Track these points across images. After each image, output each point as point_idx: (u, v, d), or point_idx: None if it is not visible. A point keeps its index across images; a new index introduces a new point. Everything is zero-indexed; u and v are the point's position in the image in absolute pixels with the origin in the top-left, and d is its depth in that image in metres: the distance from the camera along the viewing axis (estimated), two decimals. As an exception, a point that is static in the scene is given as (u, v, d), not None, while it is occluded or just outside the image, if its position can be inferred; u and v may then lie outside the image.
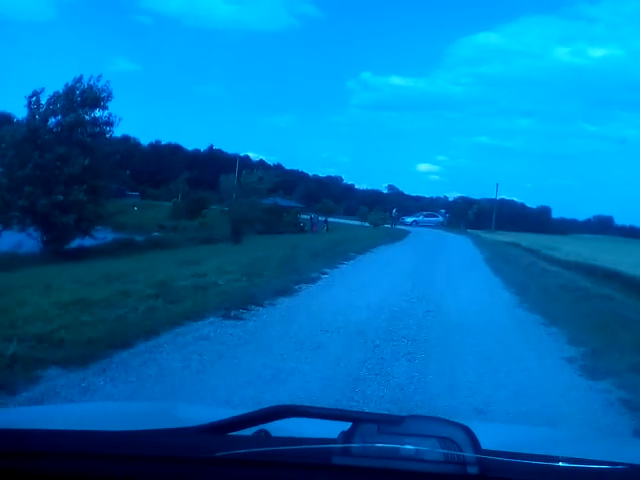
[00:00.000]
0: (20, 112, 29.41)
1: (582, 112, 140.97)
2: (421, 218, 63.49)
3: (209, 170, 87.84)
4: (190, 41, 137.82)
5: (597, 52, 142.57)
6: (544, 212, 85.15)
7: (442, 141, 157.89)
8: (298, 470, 1.12)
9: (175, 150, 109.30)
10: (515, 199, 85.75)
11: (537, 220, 76.94)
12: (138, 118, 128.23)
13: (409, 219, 65.07)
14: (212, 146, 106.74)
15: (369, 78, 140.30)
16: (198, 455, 1.14)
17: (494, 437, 1.55)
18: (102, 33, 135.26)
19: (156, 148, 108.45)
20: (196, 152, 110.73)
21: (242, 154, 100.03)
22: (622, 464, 1.12)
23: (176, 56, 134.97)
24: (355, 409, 1.79)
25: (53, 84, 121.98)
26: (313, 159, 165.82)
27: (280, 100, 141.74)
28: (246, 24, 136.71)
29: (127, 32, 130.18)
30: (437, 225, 63.69)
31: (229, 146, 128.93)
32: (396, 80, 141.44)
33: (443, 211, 67.91)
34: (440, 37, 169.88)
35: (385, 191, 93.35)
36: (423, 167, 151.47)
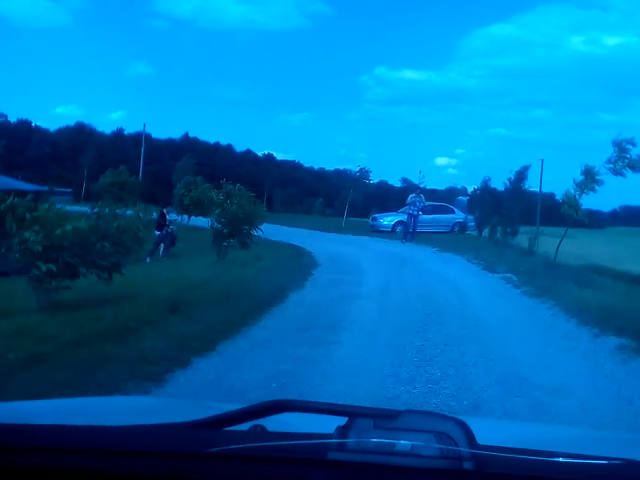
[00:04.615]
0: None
1: (599, 101, 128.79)
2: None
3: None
4: (204, 43, 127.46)
5: (612, 40, 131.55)
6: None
7: (459, 134, 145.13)
8: (294, 465, 1.04)
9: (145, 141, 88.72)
10: (536, 190, 59.90)
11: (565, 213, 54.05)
12: (157, 118, 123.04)
13: (389, 218, 28.59)
14: (187, 134, 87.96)
15: (383, 73, 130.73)
16: (192, 450, 1.06)
17: (491, 433, 1.52)
18: (118, 38, 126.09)
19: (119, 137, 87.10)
20: (170, 141, 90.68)
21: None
22: (619, 459, 1.04)
23: (191, 58, 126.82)
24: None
25: (71, 90, 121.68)
26: (331, 156, 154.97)
27: (295, 99, 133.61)
28: (258, 24, 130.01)
29: (142, 36, 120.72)
30: (453, 228, 29.21)
31: (255, 147, 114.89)
32: (410, 74, 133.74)
33: (464, 200, 30.82)
34: (453, 30, 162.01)
35: (399, 184, 76.10)
36: (441, 161, 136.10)
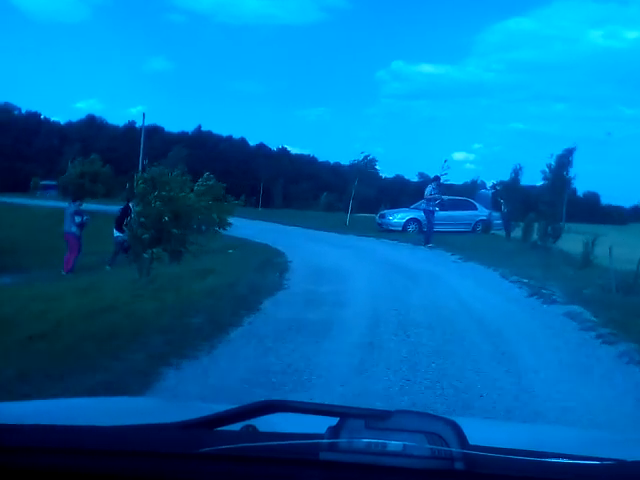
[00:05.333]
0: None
1: (619, 95, 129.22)
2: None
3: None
4: (222, 38, 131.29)
5: (631, 34, 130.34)
6: (593, 199, 76.63)
7: (477, 129, 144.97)
8: (285, 466, 1.01)
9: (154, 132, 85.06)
10: None
11: (587, 208, 65.85)
12: (174, 112, 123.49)
13: (399, 215, 23.52)
14: (200, 127, 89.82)
15: (400, 67, 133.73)
16: (184, 450, 1.03)
17: (482, 433, 1.49)
18: (137, 33, 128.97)
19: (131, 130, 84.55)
20: (183, 134, 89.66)
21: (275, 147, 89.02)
22: (611, 460, 1.01)
23: (209, 53, 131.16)
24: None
25: (92, 84, 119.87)
26: (347, 151, 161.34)
27: (311, 93, 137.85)
28: (276, 19, 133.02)
29: (161, 31, 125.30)
30: (475, 227, 24.37)
31: (270, 141, 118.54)
32: (427, 68, 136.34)
33: (489, 194, 25.58)
34: (471, 23, 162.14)
35: (415, 179, 75.12)
36: (459, 156, 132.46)
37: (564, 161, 16.24)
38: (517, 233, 21.36)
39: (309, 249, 16.19)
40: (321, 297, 8.40)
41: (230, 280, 9.50)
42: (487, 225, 23.57)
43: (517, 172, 20.21)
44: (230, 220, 19.01)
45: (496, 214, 23.79)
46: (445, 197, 20.95)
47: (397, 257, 14.60)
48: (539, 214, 17.01)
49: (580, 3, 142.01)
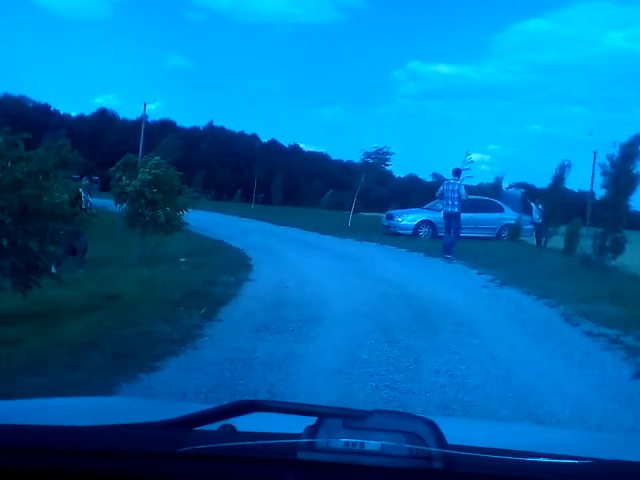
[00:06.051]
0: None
1: (639, 98, 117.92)
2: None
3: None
4: (240, 36, 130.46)
5: None
6: (614, 204, 65.22)
7: (493, 130, 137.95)
8: (263, 465, 1.00)
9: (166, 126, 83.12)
10: (574, 189, 57.32)
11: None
12: (191, 108, 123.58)
13: (409, 217, 19.07)
14: (212, 122, 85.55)
15: (416, 67, 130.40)
16: (162, 450, 1.01)
17: (461, 432, 1.45)
18: (157, 31, 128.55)
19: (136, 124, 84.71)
20: (195, 129, 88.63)
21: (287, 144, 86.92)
22: (589, 459, 1.00)
23: (226, 51, 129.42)
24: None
25: (111, 80, 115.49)
26: (360, 149, 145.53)
27: (327, 92, 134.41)
28: (293, 18, 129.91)
29: (180, 29, 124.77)
30: (500, 233, 20.36)
31: (283, 138, 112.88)
32: (444, 69, 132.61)
33: (517, 194, 20.81)
34: (489, 24, 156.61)
35: (429, 179, 70.60)
36: (474, 157, 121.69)
37: (632, 151, 11.89)
38: (553, 242, 17.19)
39: (288, 259, 12.05)
40: (245, 381, 4.23)
41: (107, 327, 5.36)
42: (514, 230, 19.31)
43: (563, 170, 15.84)
44: (216, 219, 15.06)
45: (526, 218, 19.57)
46: (471, 197, 16.74)
47: (404, 276, 10.40)
48: (595, 220, 12.75)
49: (600, 5, 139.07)
